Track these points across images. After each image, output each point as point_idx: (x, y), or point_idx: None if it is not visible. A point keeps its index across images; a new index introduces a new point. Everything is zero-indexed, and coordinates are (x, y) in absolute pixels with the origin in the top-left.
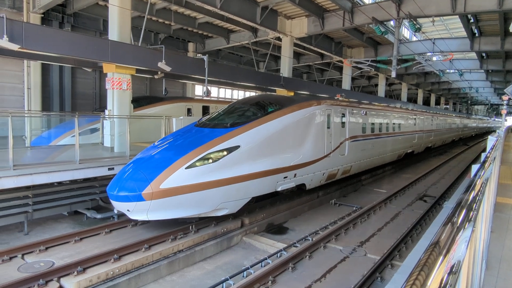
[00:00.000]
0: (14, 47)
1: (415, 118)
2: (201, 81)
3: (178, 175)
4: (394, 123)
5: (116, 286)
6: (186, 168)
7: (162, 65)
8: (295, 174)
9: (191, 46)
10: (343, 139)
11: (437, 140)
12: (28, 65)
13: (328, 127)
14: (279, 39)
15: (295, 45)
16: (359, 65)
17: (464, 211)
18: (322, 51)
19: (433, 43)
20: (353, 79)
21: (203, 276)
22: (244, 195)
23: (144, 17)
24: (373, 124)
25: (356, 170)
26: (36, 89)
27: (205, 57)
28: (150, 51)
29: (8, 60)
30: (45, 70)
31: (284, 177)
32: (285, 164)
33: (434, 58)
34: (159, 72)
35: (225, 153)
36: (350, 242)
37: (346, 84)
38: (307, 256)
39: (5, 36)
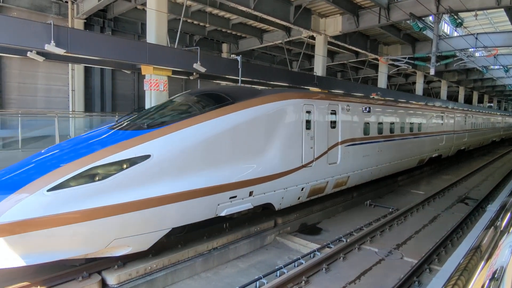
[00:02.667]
0: (60, 51)
1: (442, 117)
2: (235, 82)
3: (33, 201)
4: (412, 122)
5: (154, 281)
6: (49, 190)
7: (197, 66)
8: (251, 192)
9: (225, 47)
10: (334, 143)
11: (473, 141)
12: (72, 68)
13: (309, 128)
14: (312, 38)
15: (329, 43)
16: (396, 63)
17: (508, 214)
18: (357, 49)
19: (476, 38)
20: (389, 77)
21: (236, 274)
22: (156, 226)
23: (179, 19)
24: (380, 123)
25: (357, 181)
26: (80, 91)
27: (239, 58)
28: (186, 52)
29: (54, 64)
30: (88, 73)
31: (231, 197)
32: (232, 179)
33: (477, 54)
34: (194, 73)
35: (124, 166)
36: (386, 244)
37: (382, 82)
38: (341, 258)
39: (52, 41)
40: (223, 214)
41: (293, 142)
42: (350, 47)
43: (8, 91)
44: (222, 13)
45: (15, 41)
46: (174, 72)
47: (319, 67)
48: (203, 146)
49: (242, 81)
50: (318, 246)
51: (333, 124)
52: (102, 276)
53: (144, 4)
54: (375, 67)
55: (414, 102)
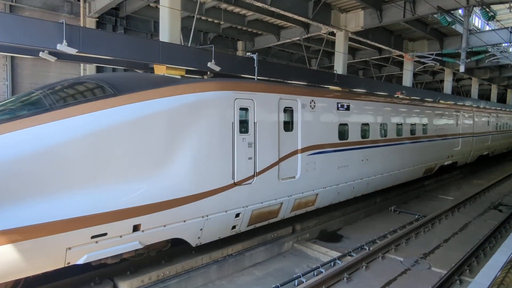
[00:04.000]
0: (72, 51)
1: (456, 116)
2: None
3: None
4: (413, 123)
5: None
6: None
7: (211, 65)
8: (137, 226)
9: (240, 44)
10: (289, 152)
11: (498, 145)
12: (84, 68)
13: (245, 132)
14: (332, 34)
15: (350, 39)
16: (422, 60)
17: None
18: (380, 46)
19: (510, 32)
20: (415, 75)
21: (252, 282)
22: None
23: (193, 17)
24: (365, 125)
25: (332, 200)
26: None
27: (255, 56)
28: (200, 51)
29: (66, 63)
30: (99, 73)
31: (97, 236)
32: (96, 208)
33: (511, 49)
34: (208, 72)
35: None
36: (412, 253)
37: (407, 80)
38: (364, 267)
39: (64, 41)
40: (81, 262)
41: (215, 151)
42: (372, 43)
43: (21, 91)
44: (237, 10)
45: (27, 41)
46: (187, 72)
47: (339, 65)
48: (39, 160)
49: (259, 80)
50: (339, 254)
51: (289, 126)
52: (114, 282)
53: (157, 1)
54: (400, 64)
55: (417, 97)
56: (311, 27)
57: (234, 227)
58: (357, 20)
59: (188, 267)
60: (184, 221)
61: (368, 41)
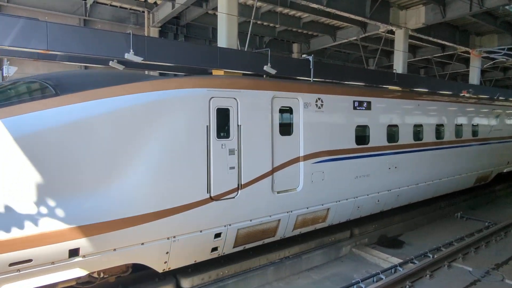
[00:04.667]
0: (138, 59)
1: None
2: None
3: None
4: (459, 124)
5: (225, 287)
6: None
7: (267, 68)
8: (74, 251)
9: (295, 47)
10: (288, 159)
11: None
12: None
13: (225, 136)
14: (391, 32)
15: (411, 37)
16: (491, 55)
17: None
18: (443, 42)
19: None
20: (483, 72)
21: (309, 286)
22: None
23: (249, 22)
24: (393, 126)
25: (350, 215)
26: None
27: (310, 58)
28: (256, 55)
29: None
30: None
31: (17, 263)
32: (15, 231)
33: None
34: (264, 76)
35: None
36: (482, 263)
37: (474, 78)
38: (428, 275)
39: (131, 50)
40: None
41: (182, 160)
42: (435, 40)
43: None
44: (292, 12)
45: (100, 52)
46: (244, 75)
47: (399, 64)
48: None
49: (314, 82)
50: (400, 260)
51: (287, 129)
52: (176, 278)
53: (215, 9)
54: (466, 61)
55: (468, 93)
56: (369, 26)
57: (215, 249)
58: (418, 16)
59: (246, 268)
60: (142, 244)
61: (430, 38)
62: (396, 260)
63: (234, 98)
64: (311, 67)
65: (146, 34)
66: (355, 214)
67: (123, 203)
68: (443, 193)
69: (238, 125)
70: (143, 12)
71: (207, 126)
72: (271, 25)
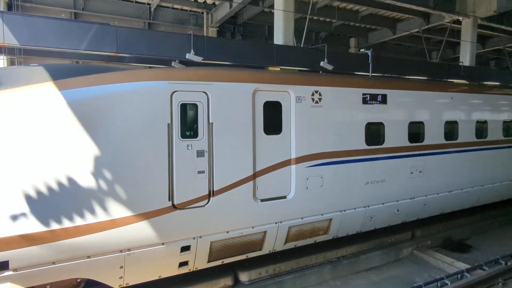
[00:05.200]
0: (198, 59)
1: None
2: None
3: None
4: (507, 120)
5: (282, 283)
6: None
7: (324, 64)
8: (5, 264)
9: (352, 41)
10: (276, 162)
11: None
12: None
13: (189, 136)
14: (457, 22)
15: (479, 26)
16: None
17: None
18: None
19: None
20: None
21: (368, 287)
22: None
23: (305, 18)
24: (418, 123)
25: (361, 227)
26: None
27: (369, 52)
28: (312, 51)
29: None
30: None
31: None
32: None
33: None
34: (320, 71)
35: None
36: None
37: None
38: (500, 283)
39: (192, 50)
40: None
41: (134, 163)
42: (508, 28)
43: None
44: (350, 6)
45: (164, 53)
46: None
47: (466, 56)
48: None
49: (372, 77)
50: (468, 266)
51: (274, 127)
52: (235, 272)
53: (271, 6)
54: None
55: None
56: (432, 16)
57: (184, 263)
58: (488, 3)
59: (303, 265)
60: (88, 257)
61: (503, 27)
62: (462, 265)
63: (204, 92)
64: (369, 61)
65: (205, 35)
66: (368, 225)
67: (61, 211)
68: (489, 202)
69: (209, 123)
70: (202, 13)
71: (168, 124)
72: (328, 20)
